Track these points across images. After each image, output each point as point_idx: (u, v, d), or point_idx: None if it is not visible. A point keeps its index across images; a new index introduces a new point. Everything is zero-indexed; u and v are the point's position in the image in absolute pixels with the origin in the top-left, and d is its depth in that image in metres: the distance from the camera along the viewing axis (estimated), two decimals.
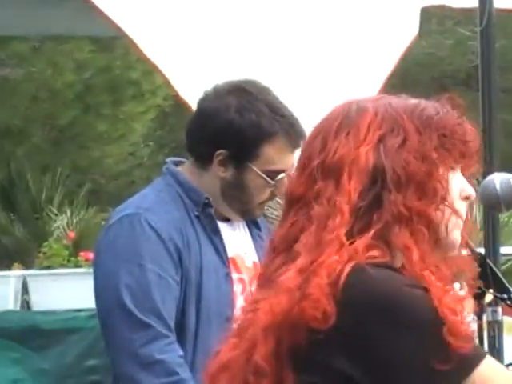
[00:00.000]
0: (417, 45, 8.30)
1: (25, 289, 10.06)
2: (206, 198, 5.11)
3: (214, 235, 5.15)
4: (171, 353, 4.98)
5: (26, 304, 10.06)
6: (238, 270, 5.27)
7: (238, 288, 5.21)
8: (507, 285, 3.60)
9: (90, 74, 15.95)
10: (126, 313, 4.98)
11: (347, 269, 2.93)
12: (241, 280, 5.25)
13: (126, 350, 4.99)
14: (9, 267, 11.77)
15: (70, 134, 16.41)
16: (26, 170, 16.21)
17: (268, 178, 5.24)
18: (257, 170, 5.24)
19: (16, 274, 10.51)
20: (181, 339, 5.05)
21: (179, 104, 7.02)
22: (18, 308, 10.05)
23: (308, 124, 3.49)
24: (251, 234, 5.40)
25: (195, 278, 5.05)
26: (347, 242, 2.99)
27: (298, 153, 5.10)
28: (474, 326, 5.04)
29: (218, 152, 5.05)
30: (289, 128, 5.22)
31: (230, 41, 7.19)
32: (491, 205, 3.65)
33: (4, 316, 9.72)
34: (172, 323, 4.98)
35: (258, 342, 2.99)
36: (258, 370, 3.00)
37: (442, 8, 8.19)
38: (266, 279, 3.12)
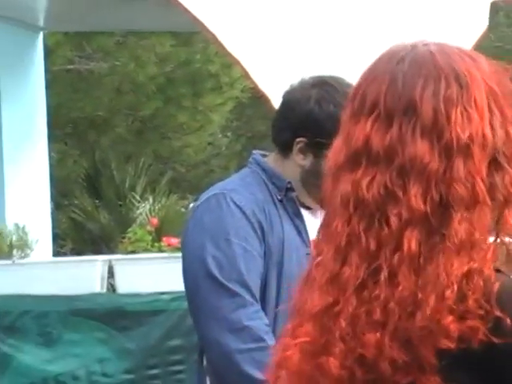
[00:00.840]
0: (484, 38, 8.13)
1: (110, 273, 10.12)
2: (289, 183, 5.09)
3: (296, 217, 5.11)
4: (258, 320, 4.95)
5: (111, 287, 10.11)
6: None
7: None
8: None
9: (171, 67, 15.92)
10: (213, 283, 4.98)
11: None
12: None
13: (215, 317, 4.96)
14: (95, 252, 11.99)
15: (152, 125, 16.47)
16: (110, 159, 16.31)
17: None
18: None
19: (102, 258, 10.61)
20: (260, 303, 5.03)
21: (256, 96, 7.11)
22: (104, 291, 10.08)
23: None
24: None
25: (277, 255, 5.01)
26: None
27: None
28: None
29: (298, 140, 5.00)
30: None
31: (307, 35, 7.08)
32: None
33: (91, 298, 9.79)
34: (257, 294, 4.97)
35: None
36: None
37: (510, 1, 8.04)
38: None
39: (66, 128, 14.63)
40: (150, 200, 11.50)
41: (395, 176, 2.59)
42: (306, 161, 5.02)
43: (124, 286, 9.99)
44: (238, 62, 6.91)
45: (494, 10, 7.75)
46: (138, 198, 11.86)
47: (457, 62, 2.62)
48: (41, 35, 12.18)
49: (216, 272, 4.93)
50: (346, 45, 7.34)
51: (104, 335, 9.68)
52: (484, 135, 2.55)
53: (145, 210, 10.92)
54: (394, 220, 2.60)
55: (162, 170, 14.87)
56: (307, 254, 4.53)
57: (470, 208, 2.56)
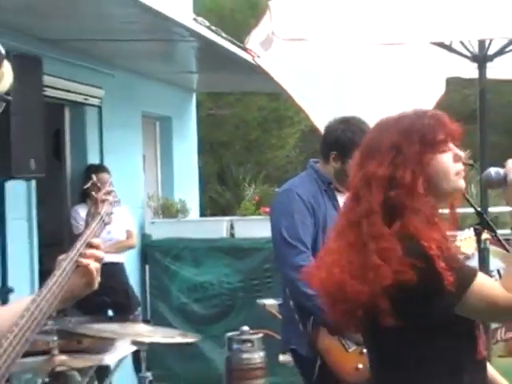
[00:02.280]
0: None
1: (232, 227, 10.20)
2: (330, 182, 5.14)
3: (334, 201, 5.10)
4: (308, 261, 4.78)
5: (232, 235, 10.17)
6: None
7: None
8: (494, 227, 3.19)
9: (267, 112, 15.80)
10: (283, 240, 4.98)
11: None
12: None
13: (284, 262, 4.97)
14: (223, 215, 12.24)
15: (255, 145, 16.41)
16: (231, 164, 15.96)
17: None
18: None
19: (227, 219, 10.68)
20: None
21: (313, 129, 6.98)
22: (228, 236, 10.16)
23: None
24: None
25: (322, 225, 5.02)
26: None
27: None
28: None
29: (331, 153, 5.07)
30: None
31: (347, 84, 6.47)
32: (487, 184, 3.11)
33: (221, 240, 9.92)
34: (309, 247, 4.93)
35: None
36: None
37: None
38: None
39: (206, 146, 14.99)
40: (253, 186, 11.46)
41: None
42: (337, 165, 5.06)
43: (239, 233, 10.07)
44: (302, 110, 6.48)
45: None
46: (247, 185, 11.49)
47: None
48: (194, 95, 12.33)
49: (285, 234, 4.97)
50: (368, 90, 6.54)
51: (228, 261, 9.76)
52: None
53: (250, 192, 10.86)
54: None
55: (260, 170, 14.95)
56: None
57: None
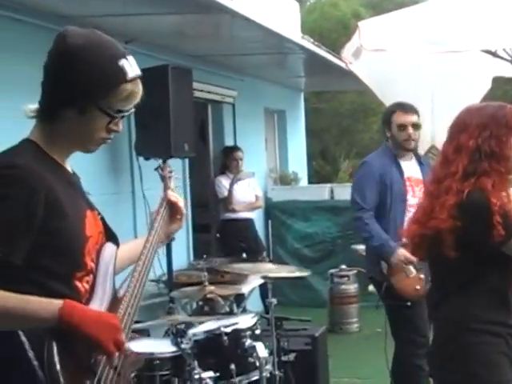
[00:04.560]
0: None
1: (332, 192, 10.06)
2: (394, 152, 4.96)
3: (398, 166, 4.94)
4: (371, 218, 4.80)
5: (332, 197, 9.99)
6: (410, 181, 4.92)
7: (409, 188, 4.89)
8: None
9: (356, 105, 15.39)
10: (355, 201, 4.89)
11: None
12: (411, 185, 4.91)
13: (356, 213, 4.87)
14: (325, 182, 11.70)
15: (348, 130, 16.01)
16: (330, 144, 15.77)
17: None
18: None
19: (328, 185, 10.54)
20: (381, 211, 4.85)
21: None
22: (329, 199, 10.00)
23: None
24: (420, 167, 5.02)
25: (389, 183, 4.86)
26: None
27: None
28: None
29: (385, 129, 5.01)
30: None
31: (418, 82, 6.17)
32: None
33: (323, 201, 9.85)
34: (373, 207, 4.82)
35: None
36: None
37: None
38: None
39: (312, 131, 14.79)
40: (347, 161, 11.42)
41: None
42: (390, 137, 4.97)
43: (337, 196, 9.79)
44: (383, 103, 6.22)
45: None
46: (342, 160, 11.14)
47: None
48: (302, 93, 12.30)
49: (355, 195, 4.90)
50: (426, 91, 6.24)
51: (329, 217, 9.67)
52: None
53: (345, 166, 10.60)
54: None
55: (351, 149, 14.61)
56: (404, 182, 4.89)
57: None
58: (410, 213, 4.59)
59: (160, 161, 2.88)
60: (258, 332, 4.11)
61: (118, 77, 2.14)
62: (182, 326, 3.98)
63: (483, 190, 2.77)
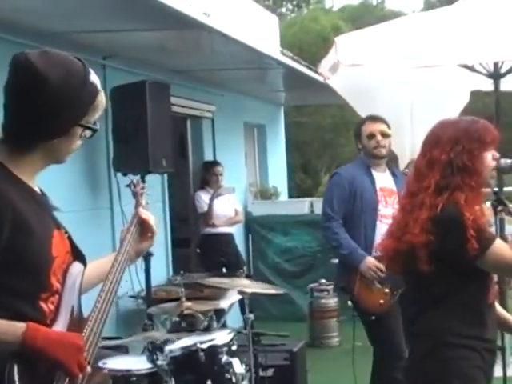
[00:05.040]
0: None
1: (312, 206, 10.01)
2: (368, 163, 5.02)
3: (370, 176, 4.98)
4: (338, 228, 4.83)
5: (312, 212, 9.89)
6: (383, 191, 4.92)
7: (381, 198, 4.92)
8: (506, 202, 3.08)
9: (337, 118, 15.32)
10: (324, 210, 5.01)
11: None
12: (383, 196, 4.92)
13: (324, 223, 4.95)
14: (306, 197, 11.76)
15: (330, 143, 16.15)
16: (311, 158, 16.00)
17: None
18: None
19: (308, 200, 10.55)
20: (351, 219, 4.88)
21: None
22: (308, 213, 9.95)
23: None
24: (393, 178, 5.02)
25: (359, 192, 4.89)
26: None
27: None
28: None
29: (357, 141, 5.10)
30: None
31: (395, 96, 6.11)
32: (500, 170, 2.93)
33: (304, 216, 9.77)
34: (342, 215, 4.86)
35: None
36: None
37: None
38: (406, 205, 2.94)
39: (293, 145, 14.73)
40: (328, 175, 11.07)
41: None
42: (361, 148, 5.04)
43: (317, 210, 9.07)
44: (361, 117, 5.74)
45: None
46: (323, 174, 11.05)
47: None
48: (282, 107, 12.30)
49: (326, 208, 4.98)
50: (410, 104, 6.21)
51: (309, 231, 9.52)
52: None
53: (325, 179, 10.44)
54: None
55: (333, 162, 14.62)
56: (375, 191, 4.92)
57: None
58: (382, 223, 4.65)
59: (135, 177, 2.84)
60: (234, 348, 4.11)
61: (93, 92, 2.18)
62: (159, 343, 3.96)
63: (456, 204, 2.77)
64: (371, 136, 5.00)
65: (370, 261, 4.68)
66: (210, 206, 8.25)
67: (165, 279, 7.65)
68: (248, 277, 7.40)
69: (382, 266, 4.43)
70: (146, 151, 6.05)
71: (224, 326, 7.10)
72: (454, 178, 2.81)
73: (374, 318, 4.68)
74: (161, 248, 7.68)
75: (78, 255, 2.30)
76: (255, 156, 11.47)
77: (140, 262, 6.36)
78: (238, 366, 3.96)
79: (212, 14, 7.53)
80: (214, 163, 8.64)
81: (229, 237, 8.54)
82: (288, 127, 12.89)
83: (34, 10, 5.11)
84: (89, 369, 2.07)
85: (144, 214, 2.53)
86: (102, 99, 2.21)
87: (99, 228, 6.43)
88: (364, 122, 5.11)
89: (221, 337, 4.14)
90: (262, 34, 10.06)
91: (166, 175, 7.61)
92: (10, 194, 2.05)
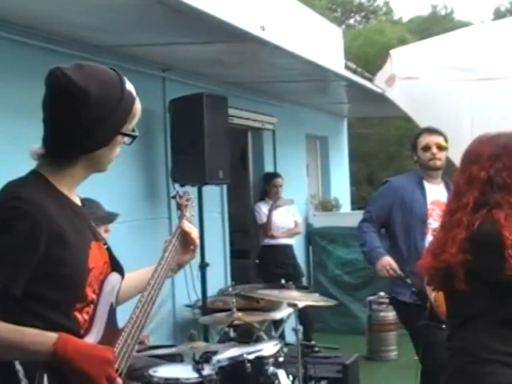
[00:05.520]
0: None
1: None
2: (421, 175, 4.98)
3: (422, 189, 4.95)
4: (369, 228, 4.88)
5: None
6: (435, 205, 4.84)
7: (433, 212, 4.85)
8: None
9: (403, 130, 15.01)
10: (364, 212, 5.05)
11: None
12: (433, 209, 4.85)
13: (358, 225, 5.01)
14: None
15: (395, 155, 15.87)
16: (377, 169, 15.95)
17: None
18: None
19: None
20: (402, 231, 4.84)
21: None
22: None
23: None
24: (448, 192, 4.74)
25: (409, 203, 4.88)
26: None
27: None
28: None
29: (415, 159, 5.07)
30: None
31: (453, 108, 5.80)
32: None
33: None
34: (377, 220, 4.90)
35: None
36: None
37: None
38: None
39: (357, 157, 14.59)
40: None
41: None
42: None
43: None
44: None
45: None
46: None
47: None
48: (345, 119, 12.23)
49: (366, 210, 5.06)
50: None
51: None
52: None
53: None
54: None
55: (398, 174, 14.73)
56: (425, 204, 4.87)
57: None
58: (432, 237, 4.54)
59: (181, 189, 2.85)
60: (281, 359, 4.11)
61: (131, 100, 2.21)
62: (204, 353, 4.00)
63: (495, 223, 2.71)
64: (427, 148, 4.99)
65: (386, 260, 4.71)
66: (269, 217, 8.29)
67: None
68: (304, 288, 7.47)
69: (396, 267, 4.53)
70: (202, 163, 6.11)
71: (281, 337, 7.16)
72: (493, 196, 2.75)
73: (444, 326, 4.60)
74: (219, 258, 7.77)
75: (116, 266, 2.31)
76: (317, 168, 11.43)
77: (197, 272, 6.47)
78: (284, 378, 3.96)
79: (274, 28, 7.62)
80: (274, 175, 8.68)
81: (288, 248, 8.54)
82: (352, 139, 12.80)
83: (94, 26, 5.22)
84: (119, 381, 2.07)
85: (187, 226, 2.52)
86: (138, 106, 2.24)
87: (158, 237, 6.40)
88: (420, 134, 5.10)
89: (268, 348, 4.15)
90: (326, 46, 10.12)
91: (225, 186, 7.67)
92: (48, 207, 2.08)
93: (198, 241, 2.56)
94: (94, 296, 2.20)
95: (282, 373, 3.99)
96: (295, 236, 8.77)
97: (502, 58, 5.17)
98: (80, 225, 2.20)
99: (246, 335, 6.76)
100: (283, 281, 8.21)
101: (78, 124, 2.12)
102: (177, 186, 6.44)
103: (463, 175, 2.87)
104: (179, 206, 2.66)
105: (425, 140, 5.02)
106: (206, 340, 6.18)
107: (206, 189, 6.65)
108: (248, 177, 9.09)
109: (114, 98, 2.15)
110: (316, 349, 6.61)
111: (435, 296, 4.27)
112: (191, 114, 6.14)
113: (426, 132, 5.08)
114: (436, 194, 4.97)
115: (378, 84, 5.80)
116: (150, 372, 4.26)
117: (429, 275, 2.94)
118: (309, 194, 10.52)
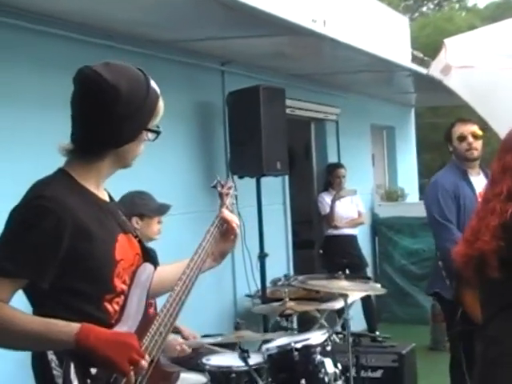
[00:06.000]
0: None
1: None
2: (464, 168, 4.90)
3: (469, 183, 4.87)
4: (457, 234, 4.54)
5: None
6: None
7: None
8: None
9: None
10: (437, 222, 4.77)
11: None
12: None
13: (439, 236, 4.79)
14: None
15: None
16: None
17: None
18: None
19: None
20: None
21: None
22: None
23: None
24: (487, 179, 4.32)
25: (462, 200, 4.77)
26: None
27: None
28: None
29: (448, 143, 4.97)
30: None
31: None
32: None
33: None
34: (454, 223, 4.71)
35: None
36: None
37: None
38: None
39: (430, 147, 14.30)
40: None
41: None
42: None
43: None
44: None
45: None
46: None
47: None
48: (413, 109, 12.11)
49: (437, 217, 4.80)
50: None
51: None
52: None
53: None
54: None
55: None
56: (476, 198, 4.73)
57: None
58: None
59: (223, 180, 2.87)
60: (328, 348, 4.14)
61: (155, 98, 2.28)
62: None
63: None
64: (462, 138, 4.93)
65: None
66: (332, 207, 8.30)
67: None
68: (367, 278, 7.45)
69: None
70: (259, 154, 6.16)
71: (343, 328, 7.16)
72: None
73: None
74: (281, 249, 7.83)
75: (148, 258, 2.35)
76: (384, 158, 11.36)
77: (256, 263, 6.55)
78: (330, 366, 3.99)
79: (337, 20, 7.61)
80: (337, 165, 8.69)
81: (351, 238, 8.54)
82: (422, 129, 12.62)
83: (150, 23, 5.32)
84: (144, 363, 2.10)
85: (228, 215, 2.55)
86: (161, 104, 2.30)
87: None
88: (454, 124, 5.04)
89: (315, 337, 4.19)
90: (391, 36, 10.00)
91: (286, 177, 7.70)
92: (72, 203, 2.15)
93: (237, 230, 2.57)
94: (124, 287, 2.25)
95: (328, 361, 4.02)
96: (359, 226, 8.76)
97: None
98: (105, 219, 2.26)
99: (307, 324, 6.84)
100: (347, 271, 8.30)
101: (108, 119, 2.18)
102: (235, 177, 6.52)
103: (498, 164, 2.87)
104: (220, 195, 2.69)
105: (459, 130, 4.96)
106: (266, 330, 6.24)
107: (266, 180, 6.71)
108: (311, 168, 9.09)
109: (141, 96, 2.22)
110: (379, 339, 6.65)
111: (466, 299, 4.34)
112: (248, 106, 6.21)
113: (460, 121, 5.02)
114: (480, 185, 4.87)
115: (433, 73, 5.70)
116: (204, 360, 4.36)
117: (462, 263, 2.93)
118: (374, 185, 10.48)
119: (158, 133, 2.32)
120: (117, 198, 2.45)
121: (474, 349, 4.27)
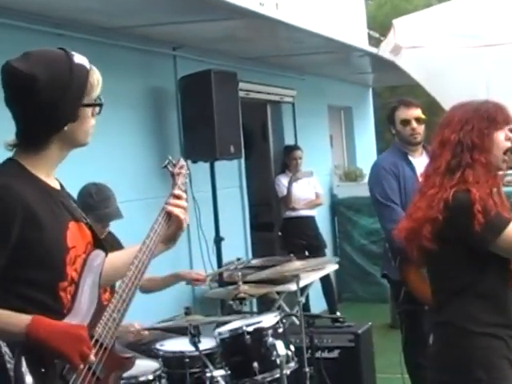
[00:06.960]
0: None
1: None
2: (404, 150, 4.85)
3: (410, 164, 4.80)
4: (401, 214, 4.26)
5: None
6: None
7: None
8: None
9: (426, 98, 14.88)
10: (379, 203, 4.69)
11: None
12: None
13: (382, 217, 4.67)
14: None
15: (426, 122, 15.72)
16: None
17: None
18: None
19: None
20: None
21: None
22: None
23: None
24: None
25: (402, 181, 4.69)
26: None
27: None
28: None
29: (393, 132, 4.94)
30: None
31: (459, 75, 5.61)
32: None
33: None
34: (398, 203, 4.61)
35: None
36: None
37: None
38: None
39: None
40: None
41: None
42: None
43: None
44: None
45: None
46: None
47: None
48: (370, 89, 12.16)
49: (379, 198, 4.70)
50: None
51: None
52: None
53: None
54: None
55: (427, 142, 14.43)
56: (416, 179, 4.37)
57: None
58: None
59: (176, 159, 2.75)
60: (280, 330, 4.17)
61: (83, 72, 2.25)
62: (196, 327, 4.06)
63: (467, 191, 2.75)
64: (406, 122, 4.86)
65: None
66: (289, 189, 8.34)
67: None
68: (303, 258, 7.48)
69: None
70: (213, 139, 6.16)
71: (306, 308, 7.20)
72: (463, 156, 2.81)
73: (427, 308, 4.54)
74: (239, 232, 7.83)
75: (99, 245, 2.35)
76: (342, 138, 11.40)
77: (212, 247, 6.55)
78: (282, 348, 4.02)
79: (292, 0, 7.56)
80: (293, 147, 8.71)
81: (309, 220, 8.57)
82: (381, 109, 12.60)
83: (101, 10, 5.29)
84: (92, 358, 2.12)
85: (171, 207, 2.48)
86: (95, 75, 2.29)
87: None
88: (397, 107, 4.95)
89: (267, 320, 4.21)
90: (347, 16, 9.90)
91: (242, 161, 7.71)
92: (22, 192, 2.14)
93: (183, 215, 2.48)
94: (75, 274, 2.24)
95: (279, 343, 4.04)
96: (317, 207, 8.81)
97: (503, 24, 5.06)
98: (56, 207, 2.25)
99: (267, 306, 6.88)
100: (306, 252, 8.35)
101: (36, 108, 2.18)
102: (189, 162, 6.49)
103: (437, 139, 2.93)
104: (172, 175, 2.64)
105: (403, 114, 4.89)
106: (223, 314, 6.23)
107: (222, 163, 6.71)
108: (269, 150, 9.11)
109: (64, 76, 2.21)
110: (341, 319, 6.68)
111: (410, 277, 4.39)
112: (200, 90, 6.19)
113: (403, 105, 4.94)
114: (422, 166, 4.84)
115: (383, 54, 5.74)
116: (157, 346, 4.36)
117: (405, 238, 2.95)
118: (333, 165, 10.53)
119: (99, 105, 2.29)
120: (67, 185, 2.43)
121: (421, 327, 4.49)
